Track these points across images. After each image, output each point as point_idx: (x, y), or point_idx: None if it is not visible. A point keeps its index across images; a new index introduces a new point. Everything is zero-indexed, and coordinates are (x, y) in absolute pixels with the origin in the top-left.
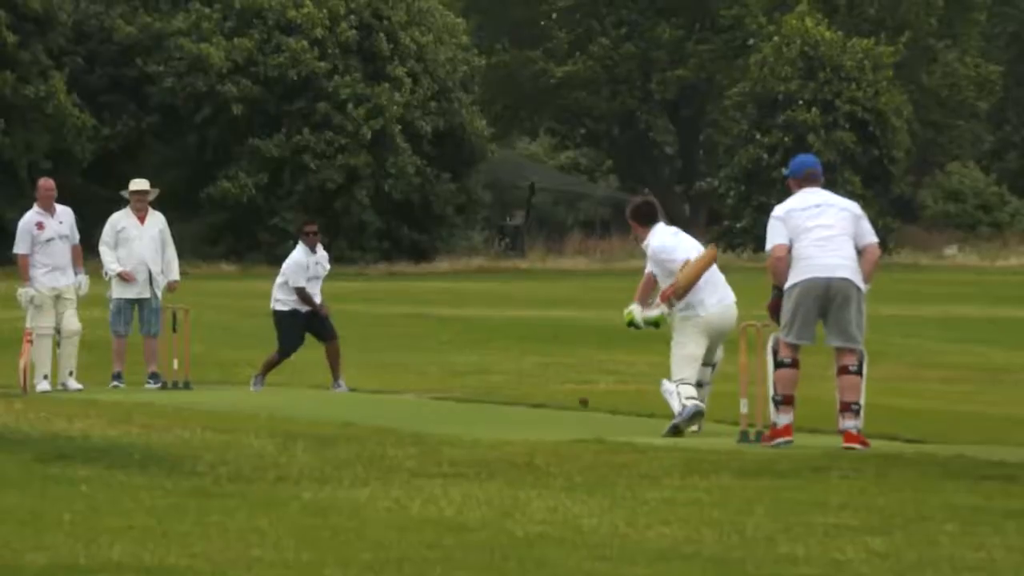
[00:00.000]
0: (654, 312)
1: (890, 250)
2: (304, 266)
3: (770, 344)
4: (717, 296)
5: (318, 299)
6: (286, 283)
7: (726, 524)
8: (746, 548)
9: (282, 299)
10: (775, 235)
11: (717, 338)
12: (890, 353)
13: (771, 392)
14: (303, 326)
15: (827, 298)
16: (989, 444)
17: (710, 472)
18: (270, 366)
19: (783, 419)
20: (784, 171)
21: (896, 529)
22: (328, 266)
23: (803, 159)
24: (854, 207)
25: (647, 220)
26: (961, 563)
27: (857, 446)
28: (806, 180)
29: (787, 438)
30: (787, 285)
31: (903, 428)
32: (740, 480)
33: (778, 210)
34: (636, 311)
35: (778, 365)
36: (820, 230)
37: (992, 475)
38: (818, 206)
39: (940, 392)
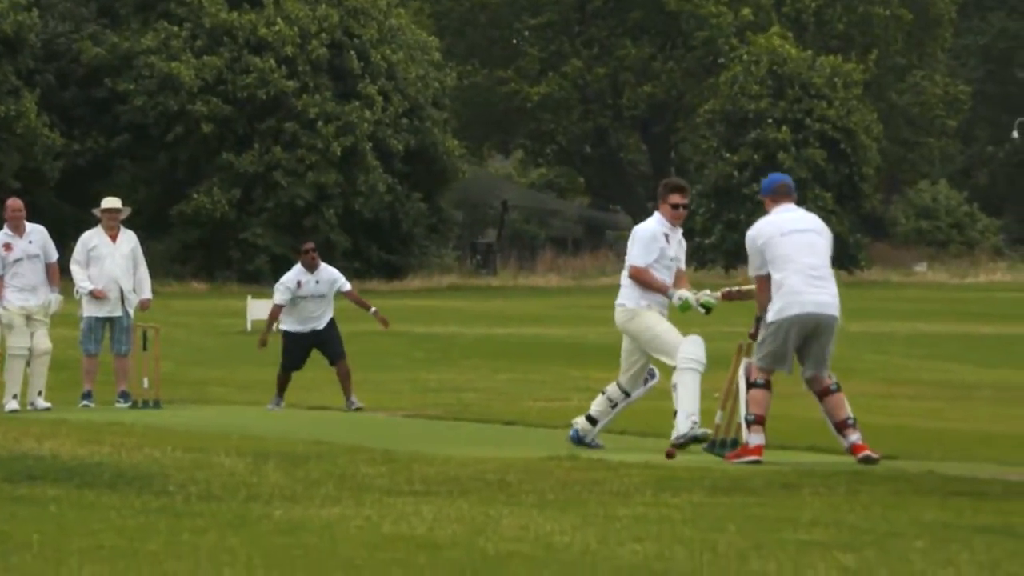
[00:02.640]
0: (710, 299)
1: (861, 267)
2: (291, 284)
3: (743, 369)
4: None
5: (326, 317)
6: (290, 302)
7: (697, 541)
8: (717, 565)
9: (285, 319)
10: (756, 265)
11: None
12: (860, 370)
13: (743, 412)
14: (306, 347)
15: (815, 334)
16: (959, 461)
17: (682, 489)
18: (282, 384)
19: (755, 439)
20: (758, 195)
21: (867, 545)
22: (338, 283)
23: (774, 176)
24: (827, 231)
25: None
26: None
27: (871, 453)
28: (780, 196)
29: (756, 457)
30: (773, 317)
31: (873, 445)
32: (712, 497)
33: (756, 238)
34: (690, 296)
35: (751, 386)
36: (806, 259)
37: (962, 491)
38: (800, 232)
39: (910, 409)
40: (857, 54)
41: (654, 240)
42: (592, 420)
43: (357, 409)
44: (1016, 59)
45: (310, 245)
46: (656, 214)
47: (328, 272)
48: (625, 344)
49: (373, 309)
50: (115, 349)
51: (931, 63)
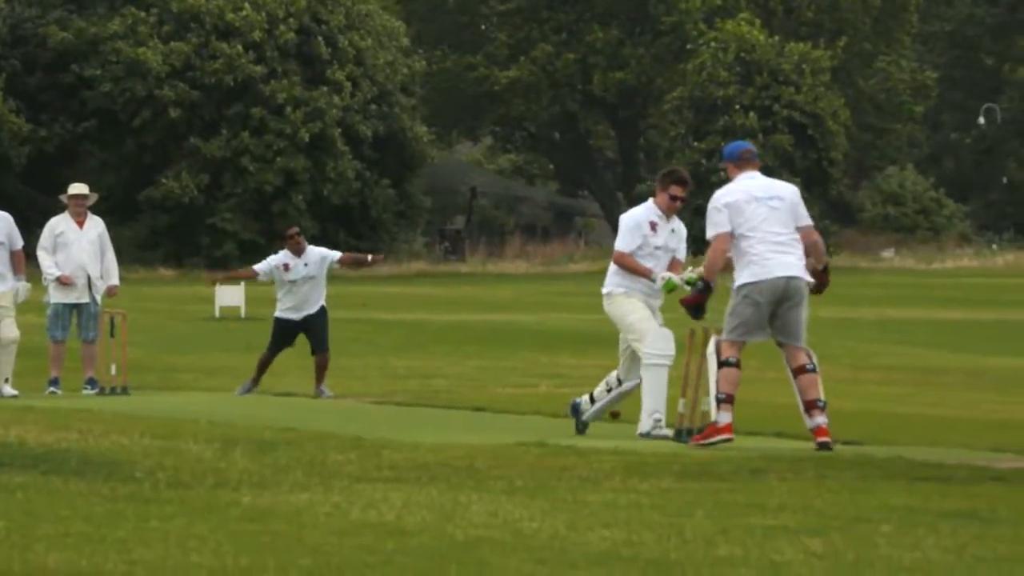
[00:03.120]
0: (692, 275)
1: (829, 253)
2: (276, 264)
3: (712, 346)
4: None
5: (319, 302)
6: (283, 287)
7: (666, 526)
8: (685, 550)
9: (279, 307)
10: (716, 222)
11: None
12: (828, 355)
13: (713, 391)
14: (294, 334)
15: (784, 298)
16: (926, 445)
17: (650, 475)
18: (262, 366)
19: (724, 417)
20: (721, 164)
21: (833, 530)
22: (328, 259)
23: (738, 143)
24: (794, 193)
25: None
26: (897, 563)
27: (829, 440)
28: (744, 162)
29: (727, 436)
30: (742, 282)
31: (841, 430)
32: (680, 483)
33: (721, 198)
34: (673, 276)
35: (723, 364)
36: (770, 227)
37: (928, 476)
38: (768, 199)
39: (878, 394)
40: (825, 40)
41: (637, 228)
42: (594, 400)
43: (327, 399)
44: (982, 45)
45: (294, 230)
46: (649, 201)
47: (315, 253)
48: (621, 333)
49: (370, 257)
50: (82, 336)
51: (898, 49)
